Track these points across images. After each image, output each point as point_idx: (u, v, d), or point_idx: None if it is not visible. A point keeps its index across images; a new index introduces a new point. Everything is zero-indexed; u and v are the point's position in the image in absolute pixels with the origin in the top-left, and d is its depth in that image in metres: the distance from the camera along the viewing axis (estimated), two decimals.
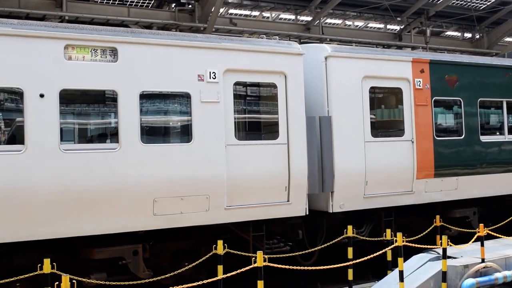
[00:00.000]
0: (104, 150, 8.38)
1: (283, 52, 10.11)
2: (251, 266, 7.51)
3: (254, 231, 9.85)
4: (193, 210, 8.96)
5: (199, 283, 7.73)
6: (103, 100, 8.81)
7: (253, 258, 7.46)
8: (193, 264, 8.92)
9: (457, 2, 19.38)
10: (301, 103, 10.20)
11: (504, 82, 13.25)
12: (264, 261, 7.40)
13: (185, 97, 9.09)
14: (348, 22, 20.80)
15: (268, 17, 20.30)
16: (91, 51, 8.34)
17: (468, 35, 22.28)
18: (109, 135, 8.76)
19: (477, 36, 21.98)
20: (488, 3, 19.76)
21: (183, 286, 7.44)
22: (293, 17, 19.74)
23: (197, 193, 8.98)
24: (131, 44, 8.61)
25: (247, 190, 9.49)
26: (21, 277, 7.64)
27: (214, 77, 9.27)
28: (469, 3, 19.73)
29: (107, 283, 8.22)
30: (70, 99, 8.38)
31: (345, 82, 10.86)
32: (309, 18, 19.25)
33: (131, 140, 8.46)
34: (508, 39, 22.78)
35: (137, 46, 8.67)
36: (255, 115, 10.31)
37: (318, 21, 18.85)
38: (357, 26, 20.87)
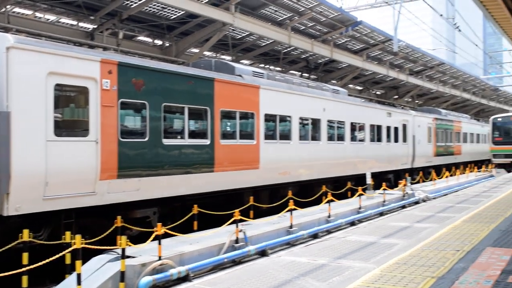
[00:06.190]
0: None
1: None
2: None
3: None
4: None
5: None
6: None
7: None
8: None
9: (149, 9, 19.94)
10: None
11: (187, 89, 14.09)
12: None
13: None
14: (39, 14, 19.69)
15: None
16: None
17: (158, 42, 23.15)
18: None
19: (167, 44, 23.00)
20: (178, 14, 20.80)
21: None
22: None
23: None
24: None
25: None
26: None
27: None
28: (160, 12, 20.47)
29: None
30: None
31: (29, 76, 10.24)
32: None
33: None
34: (194, 50, 24.37)
35: None
36: None
37: (4, 9, 17.40)
38: (48, 19, 19.89)
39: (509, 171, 34.86)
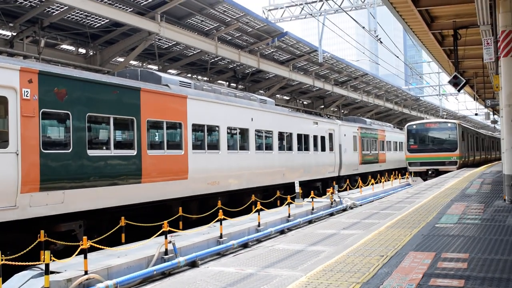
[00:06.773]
0: None
1: None
2: None
3: None
4: None
5: None
6: None
7: None
8: None
9: (72, 16, 19.42)
10: None
11: (112, 99, 13.80)
12: None
13: None
14: None
15: None
16: None
17: (82, 50, 22.58)
18: None
19: (91, 53, 22.47)
20: (103, 22, 20.38)
21: None
22: None
23: None
24: None
25: None
26: None
27: None
28: (84, 19, 19.98)
29: None
30: None
31: None
32: None
33: None
34: (119, 59, 23.95)
35: None
36: None
37: None
38: None
39: (425, 180, 34.65)
